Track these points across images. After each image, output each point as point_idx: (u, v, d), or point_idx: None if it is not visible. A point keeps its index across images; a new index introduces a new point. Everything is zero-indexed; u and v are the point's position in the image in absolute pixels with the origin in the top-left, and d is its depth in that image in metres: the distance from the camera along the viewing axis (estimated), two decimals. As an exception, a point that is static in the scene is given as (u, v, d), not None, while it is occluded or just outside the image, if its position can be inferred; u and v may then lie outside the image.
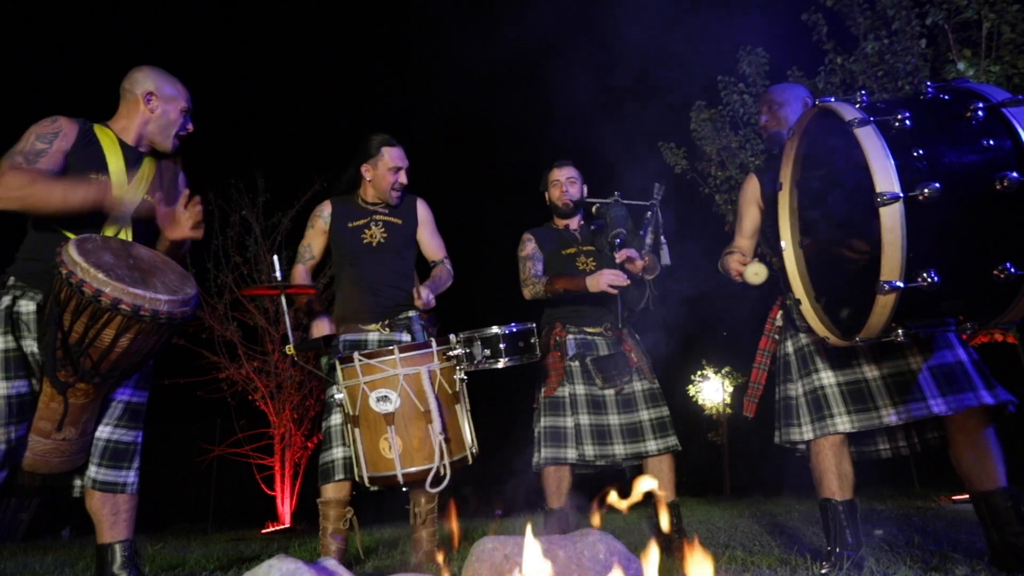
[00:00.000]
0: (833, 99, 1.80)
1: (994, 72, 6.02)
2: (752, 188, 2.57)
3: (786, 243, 2.13)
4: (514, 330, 2.42)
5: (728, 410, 17.94)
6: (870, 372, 2.20)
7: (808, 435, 2.23)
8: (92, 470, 2.18)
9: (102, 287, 1.85)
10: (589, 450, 2.85)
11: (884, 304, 1.64)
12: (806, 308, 2.08)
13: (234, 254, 9.38)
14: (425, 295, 2.73)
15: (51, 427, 2.04)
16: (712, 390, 17.97)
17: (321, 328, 2.74)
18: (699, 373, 18.19)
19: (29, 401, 2.03)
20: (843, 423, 2.17)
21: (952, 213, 1.59)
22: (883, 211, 1.56)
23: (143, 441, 2.31)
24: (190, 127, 2.41)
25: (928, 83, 1.81)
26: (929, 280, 1.59)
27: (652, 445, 2.85)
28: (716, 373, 17.95)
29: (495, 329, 2.39)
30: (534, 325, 2.50)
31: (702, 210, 8.21)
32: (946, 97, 1.75)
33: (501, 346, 2.38)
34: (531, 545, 1.56)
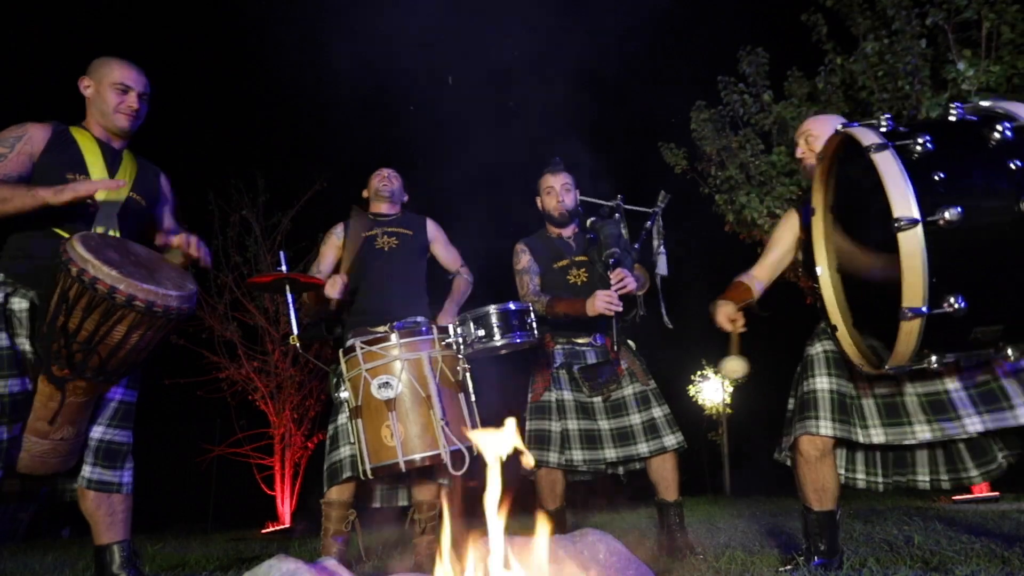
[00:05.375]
0: (856, 124, 1.76)
1: (994, 72, 6.01)
2: (791, 223, 2.48)
3: (822, 268, 2.10)
4: (510, 308, 2.43)
5: (728, 410, 17.95)
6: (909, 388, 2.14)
7: (826, 431, 2.15)
8: (87, 470, 2.16)
9: (116, 284, 1.85)
10: (577, 455, 2.84)
11: (909, 331, 1.61)
12: (842, 335, 2.04)
13: (234, 254, 9.37)
14: (447, 319, 2.82)
15: (49, 427, 2.03)
16: (712, 390, 17.99)
17: (334, 284, 2.69)
18: (699, 373, 18.21)
19: (23, 400, 2.01)
20: (825, 427, 2.13)
21: (977, 237, 1.56)
22: (901, 236, 1.53)
23: (140, 441, 2.31)
24: (131, 103, 2.29)
25: (957, 104, 1.74)
26: (956, 306, 1.54)
27: (644, 447, 2.83)
28: (716, 373, 17.96)
29: (490, 308, 2.41)
30: (531, 305, 2.51)
31: (702, 210, 8.21)
32: (974, 119, 1.70)
33: (497, 324, 2.39)
34: (531, 545, 1.56)
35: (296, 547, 4.33)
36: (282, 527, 8.40)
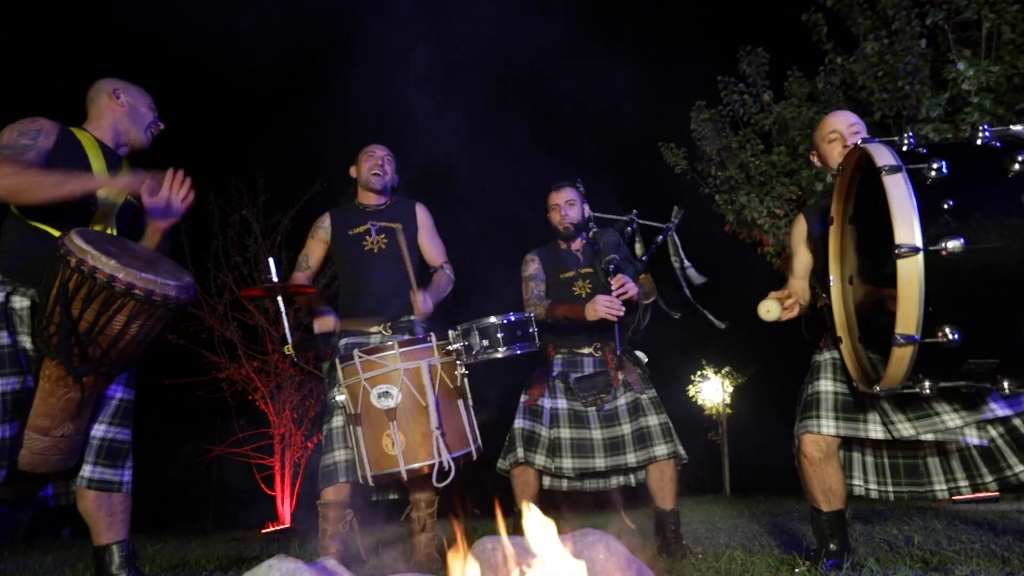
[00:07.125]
0: (876, 140, 1.73)
1: (994, 72, 6.02)
2: (799, 229, 2.46)
3: (834, 279, 2.08)
4: (512, 319, 2.42)
5: (728, 410, 17.95)
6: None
7: (828, 429, 2.16)
8: (87, 469, 2.16)
9: (115, 272, 1.86)
10: (567, 462, 2.84)
11: (900, 356, 1.60)
12: (845, 347, 2.04)
13: (234, 254, 9.37)
14: (424, 304, 2.72)
15: (50, 424, 2.02)
16: (712, 390, 17.98)
17: (325, 323, 2.74)
18: (699, 373, 18.21)
19: (24, 398, 2.01)
20: (828, 425, 2.14)
21: (978, 271, 1.53)
22: (900, 263, 1.52)
23: (140, 441, 2.31)
24: (160, 124, 2.45)
25: (986, 127, 1.69)
26: (949, 337, 1.53)
27: (631, 457, 2.82)
28: (716, 373, 17.97)
29: (492, 319, 2.40)
30: (532, 315, 2.50)
31: (701, 211, 8.21)
32: (998, 145, 1.65)
33: (499, 335, 2.39)
34: (532, 545, 1.56)
35: (296, 547, 4.32)
36: (282, 527, 8.40)
